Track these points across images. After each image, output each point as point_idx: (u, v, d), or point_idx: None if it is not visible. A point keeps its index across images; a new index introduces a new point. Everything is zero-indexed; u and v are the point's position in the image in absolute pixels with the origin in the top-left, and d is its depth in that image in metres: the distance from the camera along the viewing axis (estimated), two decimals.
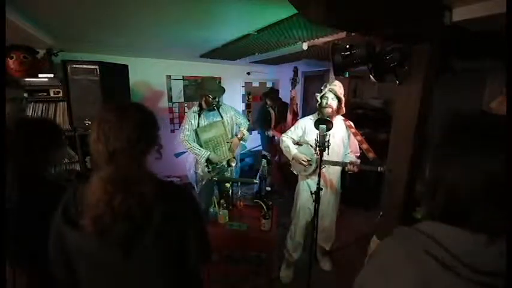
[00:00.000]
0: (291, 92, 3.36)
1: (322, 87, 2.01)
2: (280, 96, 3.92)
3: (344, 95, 1.97)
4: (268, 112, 3.60)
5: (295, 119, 3.22)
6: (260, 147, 4.06)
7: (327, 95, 1.95)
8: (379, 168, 1.71)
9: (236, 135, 2.46)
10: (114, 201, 0.65)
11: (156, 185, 0.72)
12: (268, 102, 3.63)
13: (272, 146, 3.53)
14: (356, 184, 3.06)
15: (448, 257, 0.40)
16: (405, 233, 0.47)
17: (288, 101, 3.53)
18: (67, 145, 1.21)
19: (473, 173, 0.42)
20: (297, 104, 3.42)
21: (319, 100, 1.99)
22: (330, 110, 1.94)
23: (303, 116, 2.46)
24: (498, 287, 0.37)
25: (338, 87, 1.94)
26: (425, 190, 0.50)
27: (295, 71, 3.35)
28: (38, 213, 0.94)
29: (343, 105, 1.98)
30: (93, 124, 0.72)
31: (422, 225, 0.46)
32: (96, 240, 0.68)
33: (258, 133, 4.20)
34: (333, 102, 1.94)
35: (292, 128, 2.21)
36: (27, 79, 2.35)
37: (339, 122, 2.03)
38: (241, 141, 2.48)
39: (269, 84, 4.72)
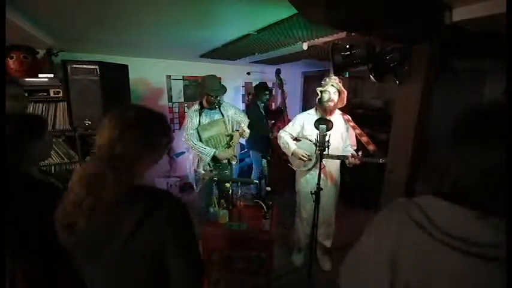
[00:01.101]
0: (282, 94, 3.35)
1: (322, 82, 2.02)
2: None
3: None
4: (261, 113, 3.44)
5: (287, 119, 3.26)
6: (248, 150, 3.79)
7: (328, 89, 1.95)
8: (380, 160, 1.72)
9: (237, 130, 2.47)
10: (78, 199, 0.65)
11: (138, 193, 0.69)
12: (264, 98, 3.44)
13: (273, 146, 3.50)
14: (355, 182, 3.07)
15: (424, 219, 0.47)
16: (400, 201, 0.56)
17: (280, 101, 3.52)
18: (50, 139, 1.15)
19: (477, 159, 0.45)
20: (285, 107, 3.43)
21: (319, 94, 1.99)
22: (331, 104, 1.95)
23: None
24: (469, 251, 0.42)
25: (338, 81, 1.96)
26: (430, 171, 0.55)
27: (278, 73, 3.30)
28: (18, 213, 0.92)
29: (344, 98, 2.00)
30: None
31: (417, 197, 0.53)
32: (72, 238, 0.68)
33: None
34: (335, 97, 1.95)
35: (290, 124, 2.23)
36: (27, 79, 2.36)
37: (337, 116, 2.06)
38: (241, 137, 2.48)
39: (269, 85, 4.70)
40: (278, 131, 3.38)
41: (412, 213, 0.49)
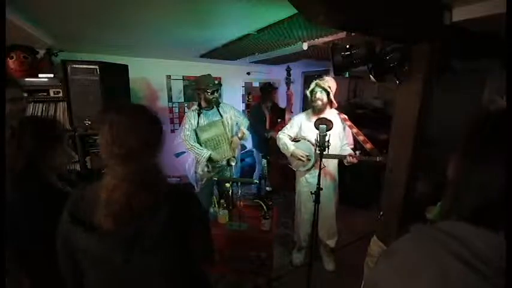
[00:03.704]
0: (287, 92, 3.36)
1: (311, 84, 2.09)
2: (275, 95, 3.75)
3: (335, 89, 2.05)
4: (263, 113, 3.49)
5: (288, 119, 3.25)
6: (252, 149, 3.87)
7: (315, 89, 2.03)
8: (377, 158, 1.75)
9: (236, 134, 2.46)
10: (133, 200, 0.68)
11: (166, 185, 0.77)
12: (268, 99, 3.47)
13: (270, 146, 3.50)
14: (355, 182, 3.07)
15: (469, 255, 0.39)
16: (425, 232, 0.47)
17: (285, 100, 3.52)
18: (67, 146, 1.14)
19: (503, 173, 0.41)
20: (291, 104, 3.42)
21: (309, 96, 2.08)
22: (320, 103, 2.02)
23: None
24: None
25: (325, 81, 2.02)
26: (447, 190, 0.50)
27: (288, 70, 3.34)
28: (34, 220, 0.92)
29: (332, 97, 2.04)
30: (103, 126, 0.69)
31: (444, 224, 0.45)
32: (102, 240, 0.69)
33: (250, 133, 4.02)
34: (322, 95, 2.02)
35: (288, 125, 2.25)
36: (27, 79, 2.35)
37: (333, 116, 2.08)
38: (241, 140, 2.48)
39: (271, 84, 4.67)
40: (277, 132, 3.42)
41: (451, 247, 0.41)
